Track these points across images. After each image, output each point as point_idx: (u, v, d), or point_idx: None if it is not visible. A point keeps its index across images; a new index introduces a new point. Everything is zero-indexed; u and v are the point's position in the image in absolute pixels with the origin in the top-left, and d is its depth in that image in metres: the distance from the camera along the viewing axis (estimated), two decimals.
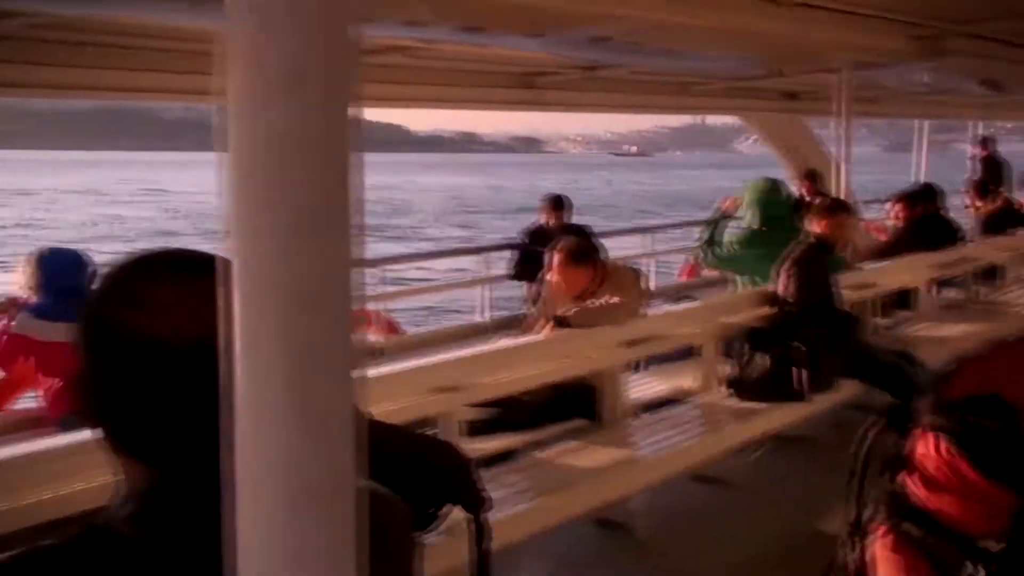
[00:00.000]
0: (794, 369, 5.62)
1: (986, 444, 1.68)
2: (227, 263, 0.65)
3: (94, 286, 1.07)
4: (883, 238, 9.33)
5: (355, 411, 0.67)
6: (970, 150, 15.02)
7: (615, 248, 9.86)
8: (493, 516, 3.77)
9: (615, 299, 5.22)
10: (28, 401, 4.71)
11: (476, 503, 2.48)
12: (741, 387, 5.69)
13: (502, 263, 9.07)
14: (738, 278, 7.08)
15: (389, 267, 9.09)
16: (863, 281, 7.16)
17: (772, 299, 6.09)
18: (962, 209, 11.00)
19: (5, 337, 4.45)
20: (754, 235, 6.90)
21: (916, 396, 1.82)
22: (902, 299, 8.13)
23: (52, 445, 2.95)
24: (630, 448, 4.93)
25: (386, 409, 3.87)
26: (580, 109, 9.63)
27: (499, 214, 47.64)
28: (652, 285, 9.71)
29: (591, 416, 5.24)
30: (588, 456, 4.72)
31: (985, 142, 14.74)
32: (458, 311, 11.67)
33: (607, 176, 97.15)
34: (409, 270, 13.42)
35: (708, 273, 10.18)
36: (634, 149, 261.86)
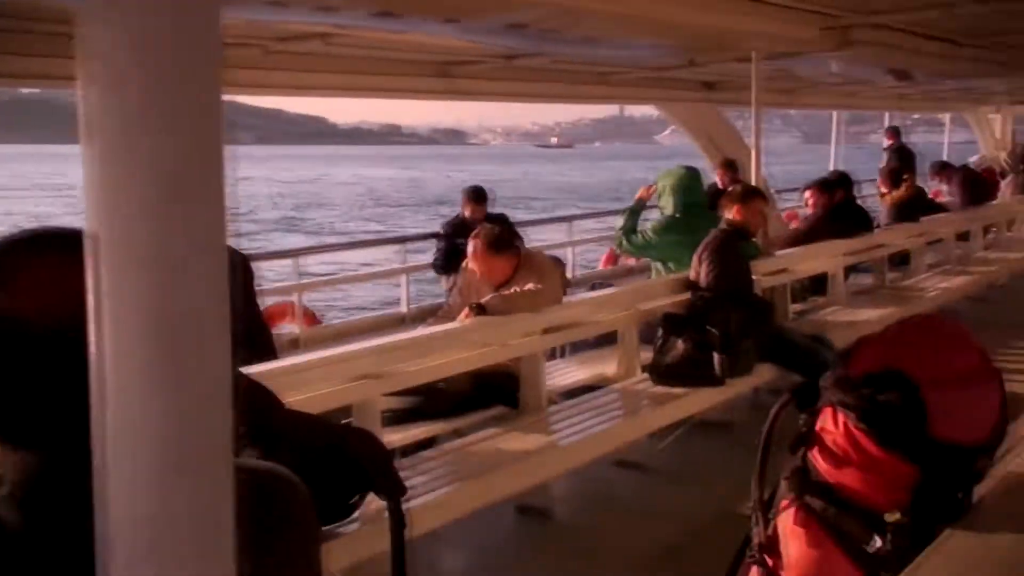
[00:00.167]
0: (713, 354, 5.70)
1: (886, 418, 1.71)
2: (95, 237, 0.63)
3: None
4: (798, 226, 9.51)
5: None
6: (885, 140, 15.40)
7: (536, 240, 9.94)
8: (412, 503, 3.78)
9: (532, 286, 5.23)
10: None
11: (393, 490, 2.47)
12: (659, 372, 5.76)
13: (420, 256, 9.05)
14: (658, 265, 7.16)
15: (301, 259, 8.97)
16: (778, 267, 7.30)
17: (689, 285, 6.18)
18: (877, 197, 11.26)
19: None
20: (670, 222, 7.00)
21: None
22: (816, 285, 8.31)
23: None
24: (550, 434, 4.96)
25: (305, 397, 3.84)
26: (499, 98, 9.62)
27: (416, 207, 47.44)
28: (572, 273, 9.78)
29: (513, 404, 5.26)
30: (508, 443, 4.74)
31: (894, 132, 15.10)
32: (361, 307, 11.53)
33: (530, 168, 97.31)
34: (316, 265, 13.21)
35: (630, 261, 10.30)
36: (556, 141, 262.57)
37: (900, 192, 10.35)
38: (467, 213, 8.31)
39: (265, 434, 1.86)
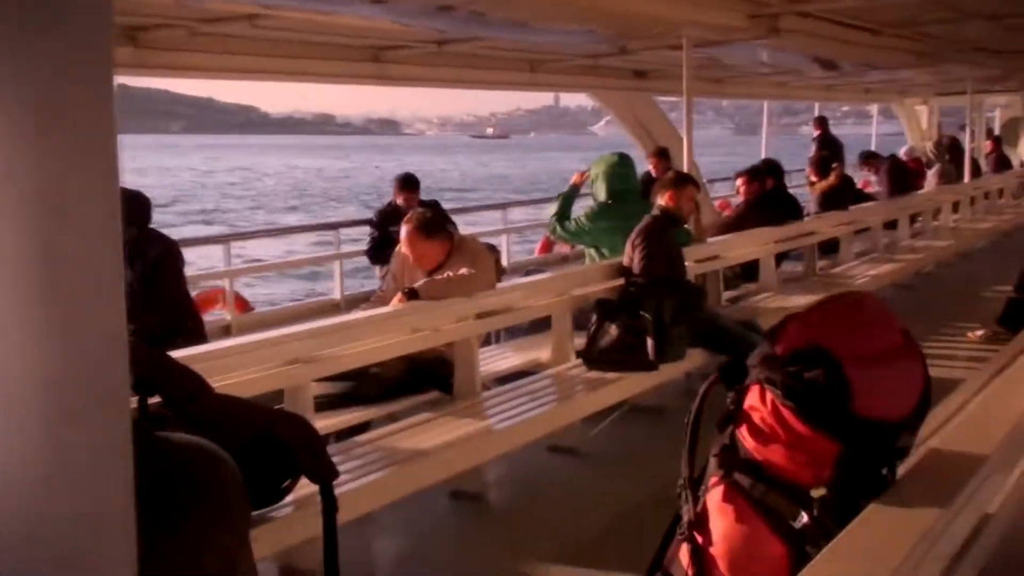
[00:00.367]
0: (646, 339, 5.74)
1: (809, 394, 1.73)
2: None
3: None
4: (730, 213, 9.62)
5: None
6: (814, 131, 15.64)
7: (470, 227, 9.92)
8: (345, 488, 3.76)
9: (465, 271, 5.22)
10: None
11: (324, 475, 2.45)
12: (592, 358, 5.78)
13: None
14: (591, 251, 7.19)
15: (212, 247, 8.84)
16: (709, 254, 7.37)
17: (622, 271, 6.21)
18: (806, 186, 11.43)
19: None
20: (602, 208, 7.03)
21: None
22: (748, 271, 8.41)
23: None
24: (484, 419, 4.95)
25: (235, 382, 3.79)
26: (431, 84, 9.56)
27: (341, 200, 46.96)
28: (507, 260, 9.78)
29: (446, 389, 5.25)
30: (442, 428, 4.72)
31: (821, 122, 15.35)
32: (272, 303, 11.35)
33: (463, 159, 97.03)
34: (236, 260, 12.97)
35: (564, 249, 10.33)
36: (493, 131, 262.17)
37: (828, 181, 10.51)
38: (399, 201, 8.26)
39: (192, 419, 1.83)
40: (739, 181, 9.04)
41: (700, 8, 6.30)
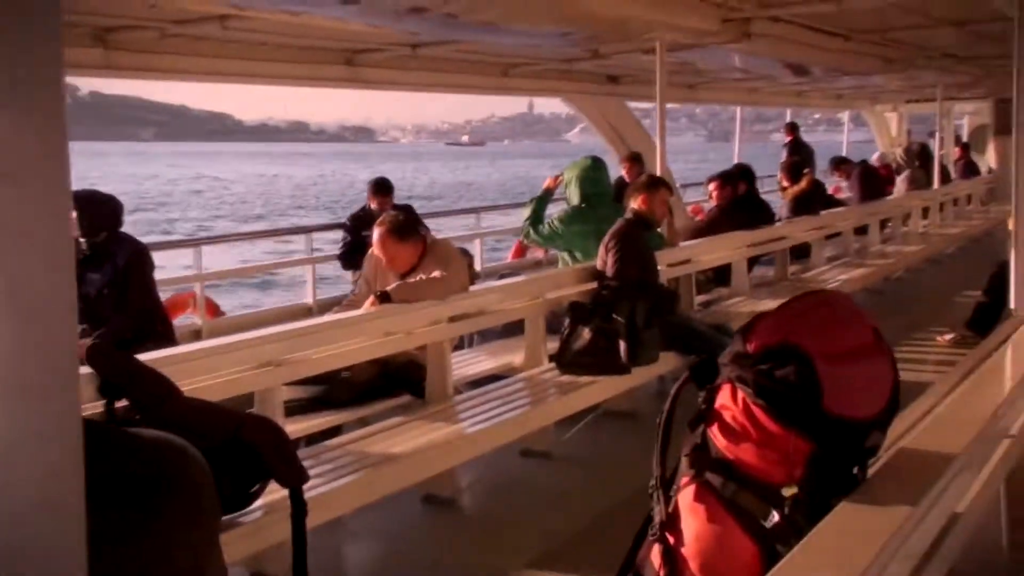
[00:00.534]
0: (619, 342, 5.74)
1: (780, 392, 1.73)
2: None
3: None
4: (702, 217, 9.65)
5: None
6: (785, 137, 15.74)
7: (444, 232, 9.89)
8: (316, 492, 3.73)
9: (438, 274, 5.20)
10: None
11: (293, 478, 2.43)
12: (565, 361, 5.77)
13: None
14: (564, 255, 7.19)
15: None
16: (682, 257, 7.39)
17: (595, 274, 6.21)
18: (778, 192, 11.49)
19: None
20: (576, 212, 7.03)
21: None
22: (720, 276, 8.44)
23: None
24: (456, 423, 4.93)
25: (204, 385, 3.75)
26: (405, 88, 9.53)
27: (310, 209, 46.69)
28: (480, 265, 9.76)
29: (418, 393, 5.23)
30: (413, 432, 4.70)
31: (792, 128, 15.44)
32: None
33: (438, 167, 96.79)
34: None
35: (538, 254, 10.33)
36: (468, 139, 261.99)
37: (800, 186, 10.56)
38: (373, 205, 8.23)
39: (160, 422, 1.81)
40: (711, 185, 9.07)
41: (673, 12, 6.32)
